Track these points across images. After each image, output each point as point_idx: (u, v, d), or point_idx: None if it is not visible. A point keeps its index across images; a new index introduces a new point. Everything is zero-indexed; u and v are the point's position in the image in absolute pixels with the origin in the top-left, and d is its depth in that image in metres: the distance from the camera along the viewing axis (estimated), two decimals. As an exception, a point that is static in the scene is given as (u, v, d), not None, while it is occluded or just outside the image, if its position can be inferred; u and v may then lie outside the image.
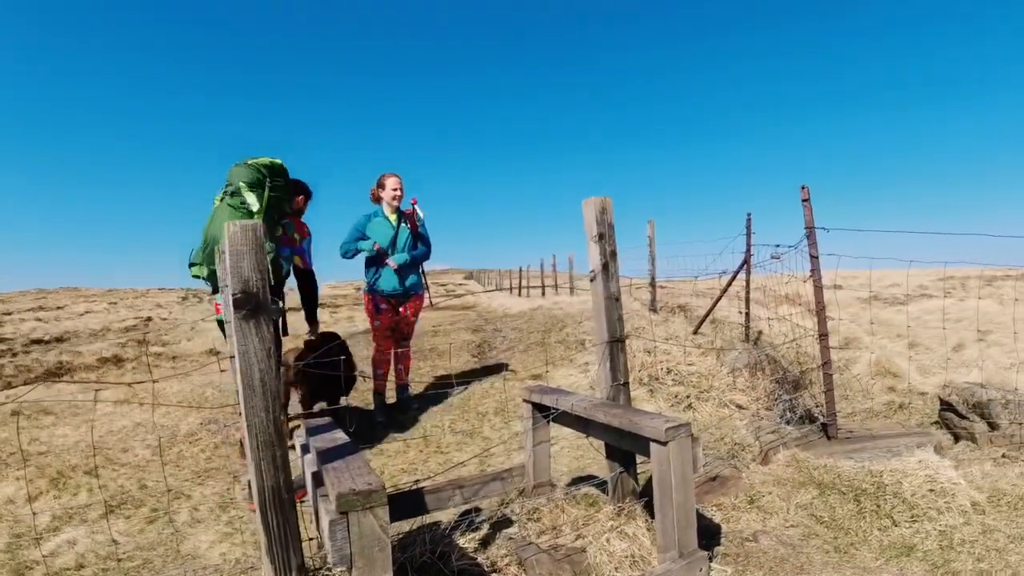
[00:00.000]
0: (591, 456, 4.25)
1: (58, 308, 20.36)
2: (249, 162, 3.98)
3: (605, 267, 2.88)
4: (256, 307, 1.79)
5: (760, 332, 6.70)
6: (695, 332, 6.57)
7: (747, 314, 6.38)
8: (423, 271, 5.62)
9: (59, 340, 12.36)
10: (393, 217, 5.31)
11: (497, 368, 6.81)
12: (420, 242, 5.40)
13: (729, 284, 6.41)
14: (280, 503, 1.82)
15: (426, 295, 5.65)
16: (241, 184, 3.89)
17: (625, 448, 2.82)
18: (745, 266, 6.29)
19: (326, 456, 2.13)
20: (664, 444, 2.39)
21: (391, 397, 5.63)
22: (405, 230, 5.32)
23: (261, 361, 1.79)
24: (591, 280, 2.95)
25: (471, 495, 3.14)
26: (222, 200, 3.94)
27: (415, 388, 6.16)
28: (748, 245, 6.29)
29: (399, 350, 5.53)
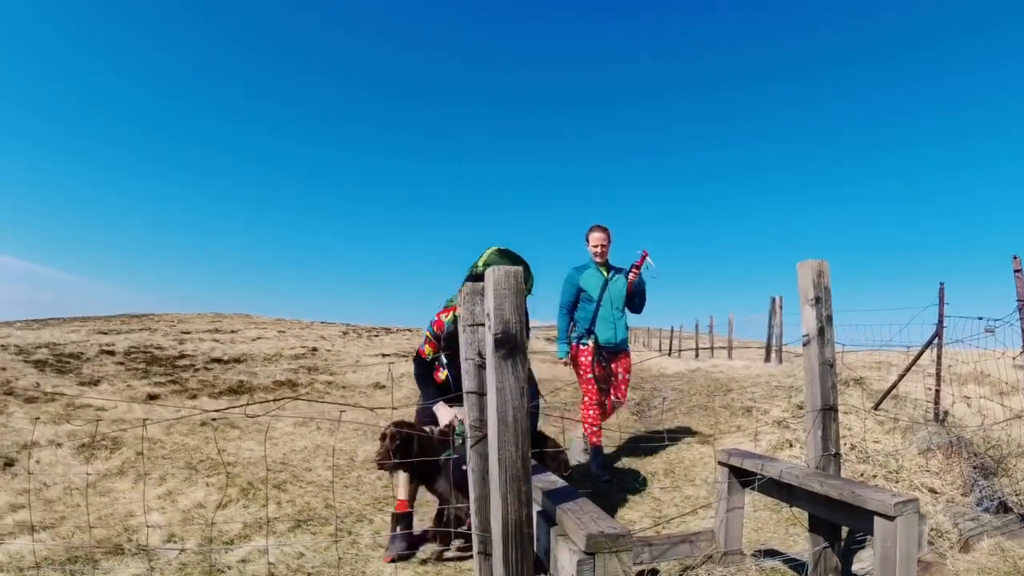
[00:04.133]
0: (771, 529, 4.05)
1: (232, 332, 22.47)
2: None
3: (820, 332, 2.80)
4: (514, 347, 1.92)
5: (946, 412, 6.14)
6: (876, 407, 6.12)
7: (937, 391, 5.87)
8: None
9: (237, 361, 13.56)
10: (604, 269, 5.26)
11: (660, 428, 6.68)
12: (636, 297, 5.26)
13: (918, 357, 5.95)
14: (521, 537, 1.90)
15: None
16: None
17: (836, 521, 2.68)
18: (937, 339, 5.82)
19: (553, 497, 2.20)
20: (891, 519, 2.25)
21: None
22: (617, 282, 5.23)
23: (515, 399, 1.91)
24: (804, 345, 2.87)
25: (658, 554, 3.10)
26: None
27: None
28: (940, 316, 5.82)
29: (611, 408, 5.41)
